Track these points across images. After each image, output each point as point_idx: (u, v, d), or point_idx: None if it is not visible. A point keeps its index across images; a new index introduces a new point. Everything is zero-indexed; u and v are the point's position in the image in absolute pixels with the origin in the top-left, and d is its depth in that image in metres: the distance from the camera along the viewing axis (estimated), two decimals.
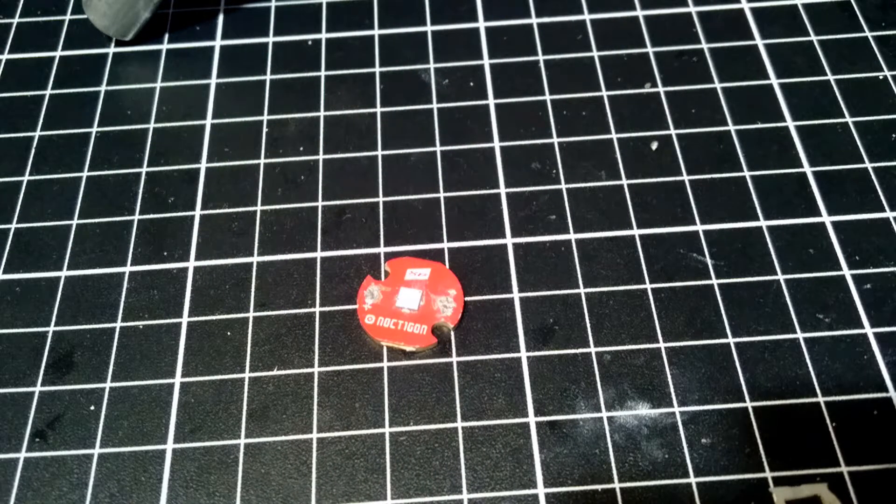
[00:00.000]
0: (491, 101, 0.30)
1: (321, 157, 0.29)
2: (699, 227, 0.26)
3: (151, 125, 0.30)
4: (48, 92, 0.31)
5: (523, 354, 0.24)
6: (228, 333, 0.25)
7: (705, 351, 0.24)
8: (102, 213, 0.27)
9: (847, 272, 0.25)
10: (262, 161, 0.29)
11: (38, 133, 0.29)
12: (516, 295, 0.25)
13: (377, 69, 0.31)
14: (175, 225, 0.27)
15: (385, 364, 0.24)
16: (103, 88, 0.31)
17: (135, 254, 0.26)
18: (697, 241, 0.26)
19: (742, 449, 0.23)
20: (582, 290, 0.25)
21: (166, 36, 0.32)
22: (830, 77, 0.30)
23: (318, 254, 0.26)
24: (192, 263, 0.26)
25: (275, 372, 0.24)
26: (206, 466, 0.23)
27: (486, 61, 0.31)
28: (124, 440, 0.23)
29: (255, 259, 0.26)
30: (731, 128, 0.29)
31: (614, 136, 0.29)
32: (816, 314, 0.25)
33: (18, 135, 0.29)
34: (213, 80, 0.31)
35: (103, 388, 0.24)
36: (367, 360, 0.24)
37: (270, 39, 0.32)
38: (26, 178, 0.28)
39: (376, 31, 0.32)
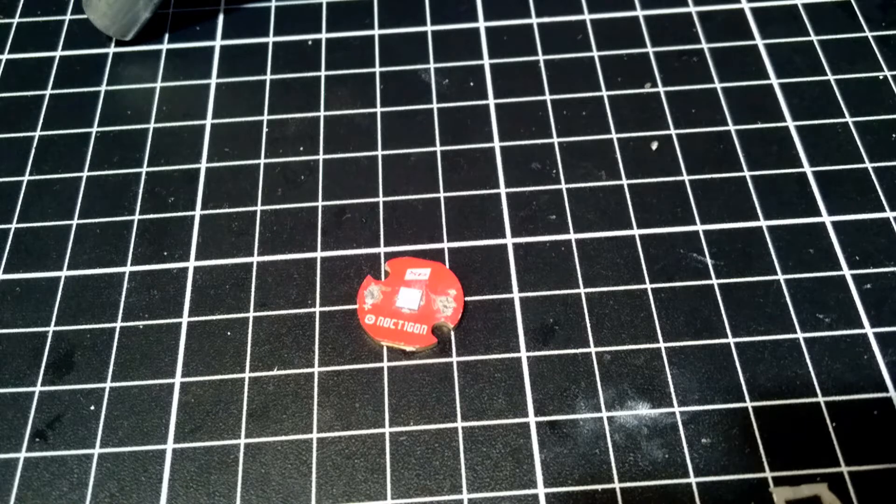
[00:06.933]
0: (491, 101, 0.30)
1: (321, 157, 0.29)
2: (699, 227, 0.26)
3: (151, 125, 0.30)
4: (48, 92, 0.31)
5: (523, 354, 0.24)
6: (228, 333, 0.25)
7: (705, 351, 0.24)
8: (102, 213, 0.27)
9: (847, 272, 0.25)
10: (262, 161, 0.29)
11: (38, 133, 0.29)
12: (516, 295, 0.25)
13: (377, 69, 0.31)
14: (175, 225, 0.27)
15: (385, 364, 0.24)
16: (103, 88, 0.31)
17: (135, 254, 0.26)
18: (697, 241, 0.26)
19: (742, 449, 0.23)
20: (582, 290, 0.25)
21: (166, 36, 0.32)
22: (830, 77, 0.30)
23: (318, 254, 0.26)
24: (192, 263, 0.26)
25: (275, 372, 0.24)
26: (206, 466, 0.23)
27: (486, 61, 0.31)
28: (124, 440, 0.23)
29: (255, 259, 0.26)
30: (731, 128, 0.29)
31: (614, 136, 0.29)
32: (816, 314, 0.25)
33: (18, 135, 0.29)
34: (213, 80, 0.31)
35: (103, 388, 0.24)
36: (367, 360, 0.24)
37: (270, 39, 0.32)
38: (26, 178, 0.28)
39: (376, 31, 0.32)
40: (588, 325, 0.25)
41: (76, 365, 0.24)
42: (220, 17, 0.33)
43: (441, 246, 0.26)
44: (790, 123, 0.29)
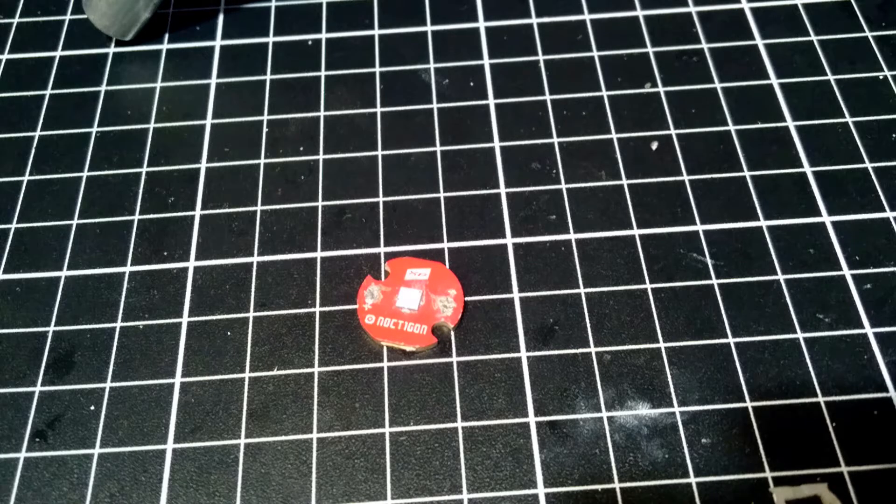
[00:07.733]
0: (491, 101, 0.30)
1: (321, 157, 0.29)
2: (699, 227, 0.26)
3: (151, 125, 0.30)
4: (48, 92, 0.31)
5: (523, 354, 0.24)
6: (228, 333, 0.25)
7: (705, 351, 0.24)
8: (102, 213, 0.27)
9: (847, 272, 0.25)
10: (262, 161, 0.29)
11: (38, 133, 0.29)
12: (516, 295, 0.25)
13: (377, 69, 0.31)
14: (175, 225, 0.27)
15: (385, 364, 0.24)
16: (103, 88, 0.31)
17: (135, 254, 0.26)
18: (697, 241, 0.26)
19: (742, 449, 0.23)
20: (582, 290, 0.25)
21: (166, 36, 0.32)
22: (830, 77, 0.30)
23: (318, 254, 0.26)
24: (192, 263, 0.26)
25: (275, 372, 0.24)
26: (206, 466, 0.23)
27: (486, 61, 0.31)
28: (124, 440, 0.23)
29: (255, 259, 0.26)
30: (731, 128, 0.29)
31: (614, 136, 0.29)
32: (816, 314, 0.25)
33: (18, 135, 0.29)
34: (213, 80, 0.31)
35: (103, 388, 0.24)
36: (367, 360, 0.24)
37: (270, 39, 0.32)
38: (26, 178, 0.28)
39: (376, 31, 0.32)
40: (588, 325, 0.25)
41: (76, 365, 0.24)
42: (220, 17, 0.33)
43: (441, 246, 0.26)
44: (790, 123, 0.29)
